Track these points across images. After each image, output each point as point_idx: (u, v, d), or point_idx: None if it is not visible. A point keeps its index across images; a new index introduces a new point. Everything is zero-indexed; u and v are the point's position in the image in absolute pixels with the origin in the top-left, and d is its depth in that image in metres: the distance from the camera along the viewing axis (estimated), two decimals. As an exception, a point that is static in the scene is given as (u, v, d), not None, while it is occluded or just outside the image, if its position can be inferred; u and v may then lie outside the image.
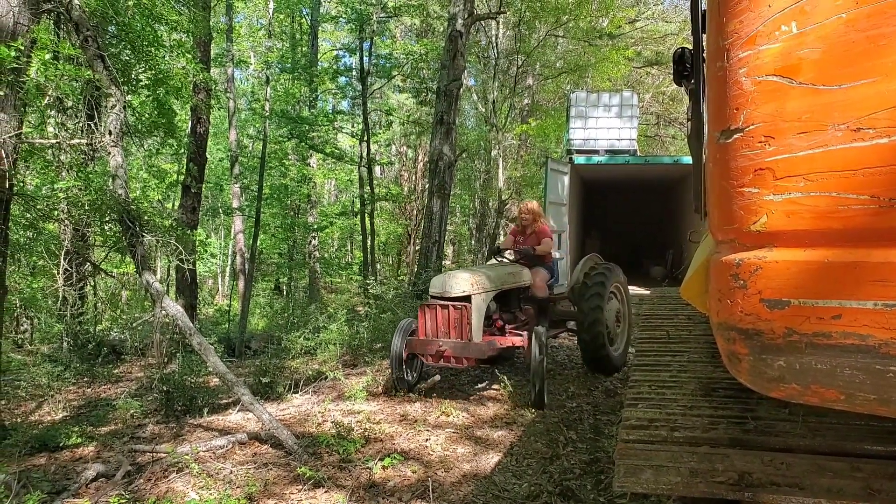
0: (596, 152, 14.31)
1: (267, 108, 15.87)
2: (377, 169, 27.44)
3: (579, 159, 14.11)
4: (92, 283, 11.42)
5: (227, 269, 25.14)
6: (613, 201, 19.56)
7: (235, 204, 16.00)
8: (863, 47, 0.89)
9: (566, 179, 13.91)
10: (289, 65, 17.39)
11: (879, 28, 0.88)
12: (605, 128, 14.34)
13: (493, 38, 18.95)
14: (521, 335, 6.23)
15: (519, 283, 6.77)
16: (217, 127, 20.47)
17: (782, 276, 0.99)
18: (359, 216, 18.12)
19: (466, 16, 12.80)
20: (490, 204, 21.96)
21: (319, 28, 19.16)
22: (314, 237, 20.28)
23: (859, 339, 0.93)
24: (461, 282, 5.95)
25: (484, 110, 20.89)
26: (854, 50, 0.90)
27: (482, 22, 17.72)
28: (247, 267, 14.99)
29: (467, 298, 5.89)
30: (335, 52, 22.14)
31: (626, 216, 20.04)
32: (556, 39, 20.89)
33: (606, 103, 14.43)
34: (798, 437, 2.08)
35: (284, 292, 21.12)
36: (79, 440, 5.40)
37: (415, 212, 23.45)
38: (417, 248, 18.95)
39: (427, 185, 14.72)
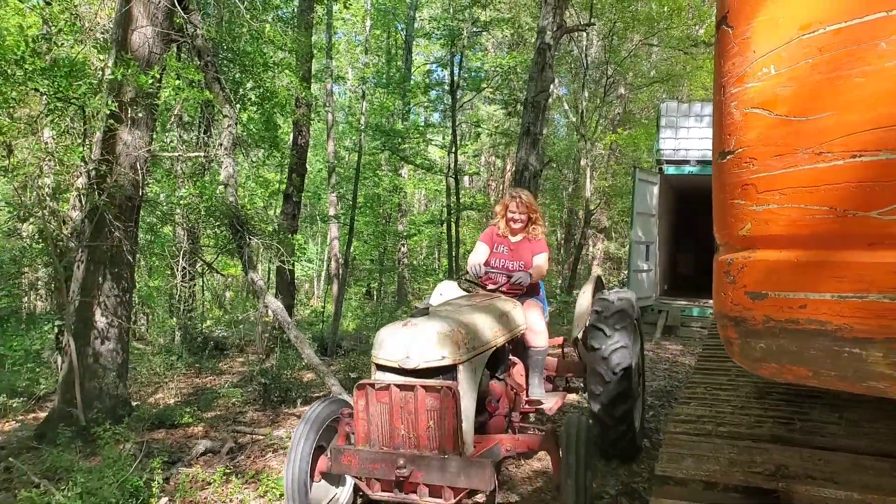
0: (687, 162, 14.06)
1: (362, 121, 16.64)
2: (465, 179, 27.94)
3: (669, 169, 13.91)
4: (201, 283, 12.43)
5: (323, 273, 26.25)
6: (706, 213, 19.03)
7: (332, 212, 16.84)
8: (824, 87, 1.10)
9: (655, 190, 13.76)
10: (383, 80, 18.16)
11: (836, 72, 1.08)
12: (697, 138, 14.07)
13: (584, 48, 18.95)
14: (541, 431, 3.71)
15: (517, 329, 4.15)
16: (316, 139, 21.56)
17: (762, 272, 1.20)
18: (445, 225, 18.58)
19: (555, 28, 12.96)
20: (578, 214, 21.89)
21: (413, 43, 19.87)
22: (403, 244, 20.93)
23: (819, 324, 1.13)
24: (438, 340, 3.19)
25: (574, 120, 20.91)
26: (817, 89, 1.11)
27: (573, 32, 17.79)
28: (340, 272, 15.74)
29: (450, 371, 3.19)
30: (428, 66, 22.80)
31: (721, 228, 19.42)
32: (648, 48, 20.63)
33: (698, 113, 14.17)
34: (842, 438, 2.19)
35: (375, 297, 21.86)
36: (190, 420, 6.05)
37: (502, 221, 23.66)
38: (504, 257, 19.11)
39: (514, 195, 14.90)
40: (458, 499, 3.09)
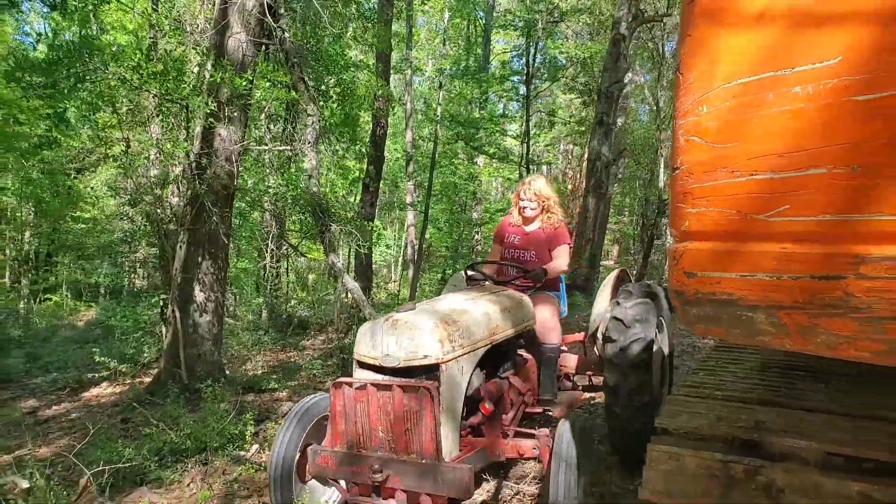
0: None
1: (438, 111, 17.16)
2: (544, 167, 28.07)
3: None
4: (286, 265, 13.37)
5: (400, 258, 27.14)
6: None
7: (409, 199, 17.56)
8: (734, 124, 1.47)
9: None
10: (461, 69, 18.63)
11: (742, 113, 1.46)
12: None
13: (662, 38, 18.74)
14: (532, 436, 3.43)
15: (520, 326, 3.89)
16: (395, 127, 22.33)
17: (694, 257, 1.59)
18: (518, 213, 18.91)
19: (630, 19, 13.03)
20: (652, 203, 21.70)
21: (493, 31, 20.22)
22: (478, 232, 21.43)
23: (728, 296, 1.51)
24: (419, 337, 3.04)
25: (656, 108, 20.72)
26: (730, 124, 1.48)
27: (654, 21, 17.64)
28: (416, 257, 16.43)
29: (433, 370, 3.03)
30: (508, 55, 23.05)
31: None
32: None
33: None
34: (820, 402, 2.53)
35: (449, 283, 22.48)
36: (276, 386, 6.80)
37: (577, 209, 23.78)
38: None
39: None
40: None
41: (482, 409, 3.36)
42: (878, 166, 1.28)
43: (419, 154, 20.48)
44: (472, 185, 21.07)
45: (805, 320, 1.42)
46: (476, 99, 19.49)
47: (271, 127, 10.75)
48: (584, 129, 21.36)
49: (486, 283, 4.33)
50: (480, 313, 3.44)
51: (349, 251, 18.30)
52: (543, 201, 4.42)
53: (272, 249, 6.78)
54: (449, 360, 3.03)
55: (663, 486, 2.29)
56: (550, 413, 4.14)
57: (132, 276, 16.10)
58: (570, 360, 4.71)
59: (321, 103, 7.10)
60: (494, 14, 19.38)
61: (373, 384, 2.99)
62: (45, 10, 7.36)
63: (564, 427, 3.03)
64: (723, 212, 1.52)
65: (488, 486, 3.97)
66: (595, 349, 4.56)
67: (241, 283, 12.54)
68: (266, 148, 7.43)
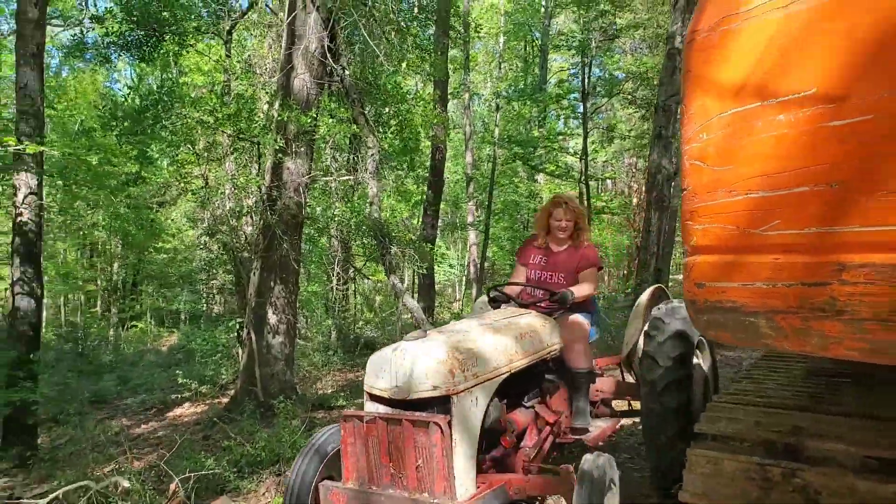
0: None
1: (496, 133, 17.44)
2: (608, 182, 27.88)
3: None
4: (353, 288, 13.86)
5: (463, 278, 27.42)
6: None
7: (470, 219, 17.86)
8: (729, 149, 1.64)
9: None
10: (518, 88, 18.89)
11: (736, 140, 1.63)
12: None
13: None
14: (557, 473, 3.08)
15: (544, 351, 3.66)
16: (455, 149, 22.75)
17: (702, 269, 1.76)
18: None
19: (684, 32, 12.98)
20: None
21: (549, 48, 20.44)
22: (539, 249, 21.48)
23: (732, 303, 1.67)
24: (428, 367, 2.83)
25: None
26: (726, 150, 1.66)
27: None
28: (478, 276, 16.67)
29: (443, 402, 2.84)
30: (566, 72, 23.17)
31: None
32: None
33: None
34: (853, 406, 2.59)
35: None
36: (344, 403, 7.14)
37: (642, 223, 23.48)
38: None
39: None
40: None
41: (503, 442, 3.19)
42: (853, 184, 1.44)
43: (479, 174, 20.79)
44: (532, 203, 21.19)
45: (799, 323, 1.57)
46: (534, 118, 19.67)
47: (336, 157, 11.29)
48: (644, 142, 21.19)
49: (510, 305, 4.06)
50: (497, 339, 3.24)
51: (413, 272, 18.72)
52: (579, 220, 4.15)
53: (339, 273, 7.21)
54: (461, 391, 2.83)
55: (702, 488, 2.41)
56: (584, 442, 3.85)
57: (210, 302, 17.02)
58: (607, 385, 4.46)
59: (380, 134, 7.48)
60: (550, 34, 19.60)
61: (382, 418, 2.79)
62: (131, 58, 8.09)
63: (587, 463, 2.87)
64: (724, 227, 1.70)
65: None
66: (632, 372, 4.41)
67: (312, 305, 13.08)
68: (331, 178, 7.89)
